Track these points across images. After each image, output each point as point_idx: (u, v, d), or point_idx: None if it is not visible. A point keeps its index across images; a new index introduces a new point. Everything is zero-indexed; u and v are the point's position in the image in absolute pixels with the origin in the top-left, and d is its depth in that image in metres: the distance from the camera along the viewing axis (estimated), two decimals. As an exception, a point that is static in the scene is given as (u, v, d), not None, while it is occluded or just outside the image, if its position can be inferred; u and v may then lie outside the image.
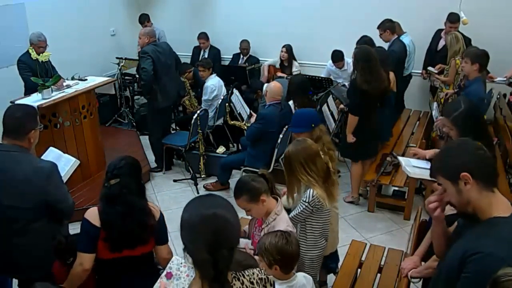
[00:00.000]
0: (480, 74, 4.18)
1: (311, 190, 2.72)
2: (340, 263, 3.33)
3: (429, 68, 5.77)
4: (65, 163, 3.02)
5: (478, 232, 1.66)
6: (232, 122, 5.49)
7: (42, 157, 2.96)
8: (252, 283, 1.63)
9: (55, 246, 2.46)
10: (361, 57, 4.30)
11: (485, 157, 1.70)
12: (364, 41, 5.28)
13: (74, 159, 3.10)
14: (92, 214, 2.31)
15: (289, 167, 2.76)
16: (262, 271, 1.73)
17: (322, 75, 6.10)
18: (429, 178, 1.93)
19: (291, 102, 4.91)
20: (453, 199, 1.73)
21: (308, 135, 3.25)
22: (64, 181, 2.76)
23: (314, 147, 2.80)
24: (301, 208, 2.76)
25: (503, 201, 1.71)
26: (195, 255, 1.45)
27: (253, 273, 1.68)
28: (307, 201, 2.72)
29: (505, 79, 5.23)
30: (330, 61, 6.05)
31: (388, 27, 5.64)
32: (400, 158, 3.25)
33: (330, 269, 3.38)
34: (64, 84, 4.89)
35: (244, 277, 1.62)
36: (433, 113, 4.92)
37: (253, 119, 4.97)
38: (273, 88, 4.64)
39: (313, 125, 3.36)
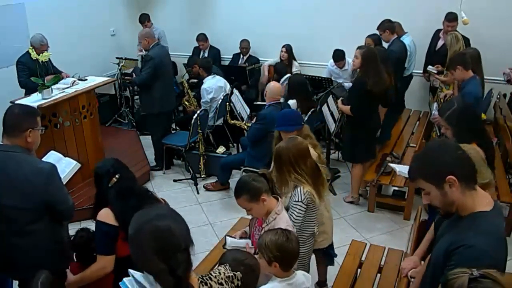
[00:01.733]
0: (473, 74, 4.16)
1: (301, 188, 2.71)
2: (340, 263, 3.33)
3: (429, 67, 5.77)
4: (66, 165, 3.02)
5: (461, 226, 1.72)
6: (232, 122, 5.49)
7: (42, 159, 2.95)
8: (221, 284, 1.62)
9: (75, 242, 2.45)
10: (369, 58, 4.32)
11: (465, 157, 1.73)
12: (372, 39, 5.41)
13: (75, 162, 3.09)
14: (107, 215, 2.32)
15: (278, 162, 2.77)
16: (227, 267, 1.71)
17: (323, 76, 6.10)
18: None
19: (293, 102, 4.89)
20: (436, 201, 1.76)
21: (298, 133, 3.30)
22: (64, 183, 2.76)
23: (304, 144, 2.82)
24: (297, 210, 2.72)
25: (485, 197, 1.76)
26: (151, 269, 1.42)
27: (220, 273, 1.67)
28: (300, 200, 2.71)
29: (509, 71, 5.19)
30: (331, 61, 6.06)
31: (388, 27, 5.63)
32: (393, 166, 3.29)
33: (331, 258, 3.37)
34: (70, 80, 4.94)
35: (211, 280, 1.61)
36: (433, 113, 4.91)
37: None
38: (272, 88, 4.63)
39: (302, 123, 3.49)
